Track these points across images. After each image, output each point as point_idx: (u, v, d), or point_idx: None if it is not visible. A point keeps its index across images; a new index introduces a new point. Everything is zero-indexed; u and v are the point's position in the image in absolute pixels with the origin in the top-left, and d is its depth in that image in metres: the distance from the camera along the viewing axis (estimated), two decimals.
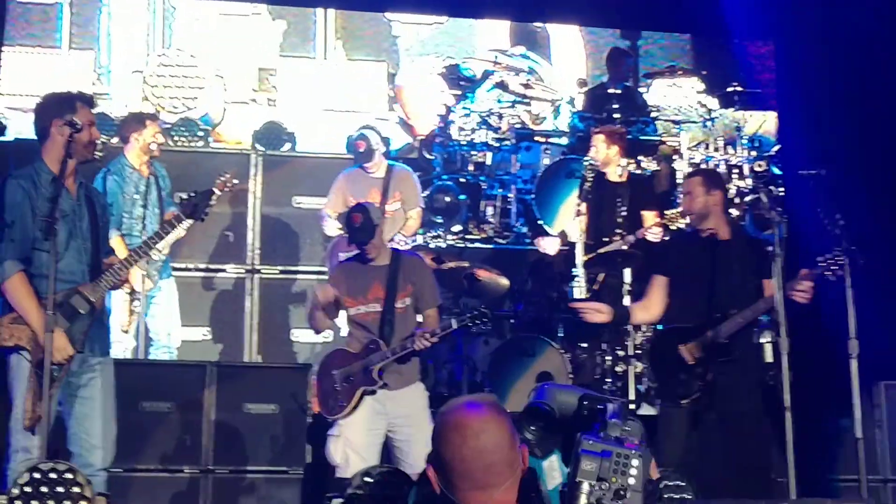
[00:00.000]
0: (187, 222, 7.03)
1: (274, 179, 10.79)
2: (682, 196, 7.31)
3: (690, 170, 9.05)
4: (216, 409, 8.00)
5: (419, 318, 7.39)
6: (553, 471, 6.28)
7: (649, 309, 7.40)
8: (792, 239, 7.94)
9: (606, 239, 9.51)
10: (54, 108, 6.20)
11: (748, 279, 7.04)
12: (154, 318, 9.40)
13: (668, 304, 7.29)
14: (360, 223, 7.18)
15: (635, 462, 2.79)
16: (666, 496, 6.09)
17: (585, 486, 2.75)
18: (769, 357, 8.29)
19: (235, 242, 10.54)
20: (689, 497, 6.09)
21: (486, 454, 3.10)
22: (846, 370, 7.04)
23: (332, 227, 9.57)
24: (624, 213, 9.59)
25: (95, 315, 6.27)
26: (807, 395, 8.57)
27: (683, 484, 6.15)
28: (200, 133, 12.44)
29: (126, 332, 9.13)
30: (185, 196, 6.74)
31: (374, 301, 7.18)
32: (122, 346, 9.00)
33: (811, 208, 7.06)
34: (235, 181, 9.31)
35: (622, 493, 2.76)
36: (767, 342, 8.26)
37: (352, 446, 7.03)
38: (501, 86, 12.28)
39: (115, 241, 8.43)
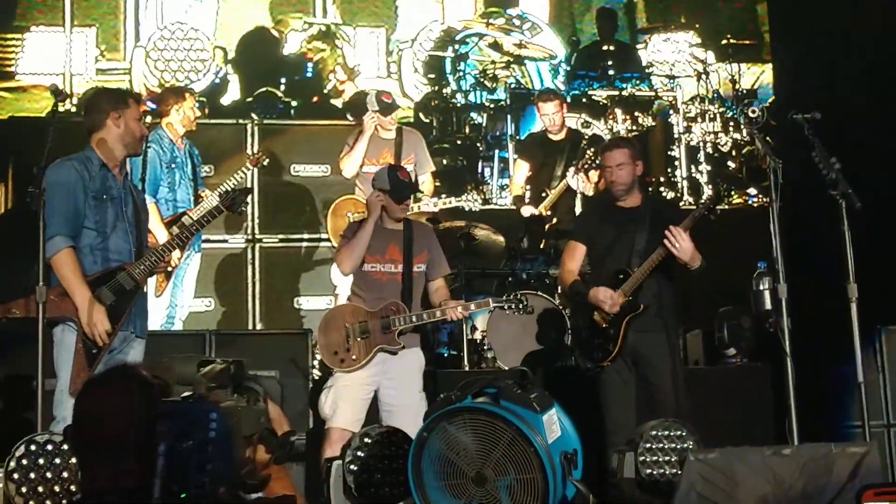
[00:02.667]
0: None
1: (271, 148, 10.75)
2: (608, 168, 7.34)
3: (609, 139, 9.18)
4: None
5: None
6: (552, 424, 6.31)
7: (570, 272, 7.51)
8: (788, 186, 7.87)
9: (545, 194, 9.79)
10: (110, 102, 6.55)
11: (656, 241, 7.09)
12: (177, 287, 9.48)
13: (582, 269, 7.51)
14: (409, 180, 7.39)
15: (213, 416, 2.84)
16: (668, 446, 6.10)
17: (162, 447, 2.77)
18: (768, 304, 8.29)
19: None
20: (690, 445, 6.08)
21: (100, 431, 3.04)
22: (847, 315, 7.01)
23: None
24: (563, 167, 9.92)
25: (139, 294, 6.54)
26: (808, 340, 8.62)
27: (684, 433, 6.15)
28: None
29: (158, 296, 9.19)
30: (224, 190, 7.33)
31: (390, 262, 7.23)
32: (156, 315, 9.10)
33: (807, 153, 6.98)
34: (266, 160, 9.53)
35: (205, 445, 2.80)
36: (766, 289, 8.26)
37: (342, 397, 7.07)
38: (495, 46, 12.26)
39: (151, 208, 8.71)
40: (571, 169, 9.55)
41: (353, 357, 7.09)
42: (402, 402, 7.11)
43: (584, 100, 11.77)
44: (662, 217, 7.24)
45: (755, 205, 11.27)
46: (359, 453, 6.37)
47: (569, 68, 12.27)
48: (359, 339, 7.10)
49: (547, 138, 10.17)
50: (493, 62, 12.26)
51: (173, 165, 9.31)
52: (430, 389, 7.41)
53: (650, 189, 11.56)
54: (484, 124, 11.72)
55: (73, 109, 11.00)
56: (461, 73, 12.01)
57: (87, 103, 6.71)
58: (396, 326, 7.08)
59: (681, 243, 6.93)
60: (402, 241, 7.26)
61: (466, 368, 8.59)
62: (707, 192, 11.41)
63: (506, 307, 7.48)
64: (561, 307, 8.59)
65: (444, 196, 9.54)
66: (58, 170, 6.28)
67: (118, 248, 6.44)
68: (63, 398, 6.16)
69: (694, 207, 10.21)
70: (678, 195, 11.56)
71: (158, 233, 8.87)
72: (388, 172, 7.34)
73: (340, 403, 7.05)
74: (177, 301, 9.49)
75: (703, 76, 12.13)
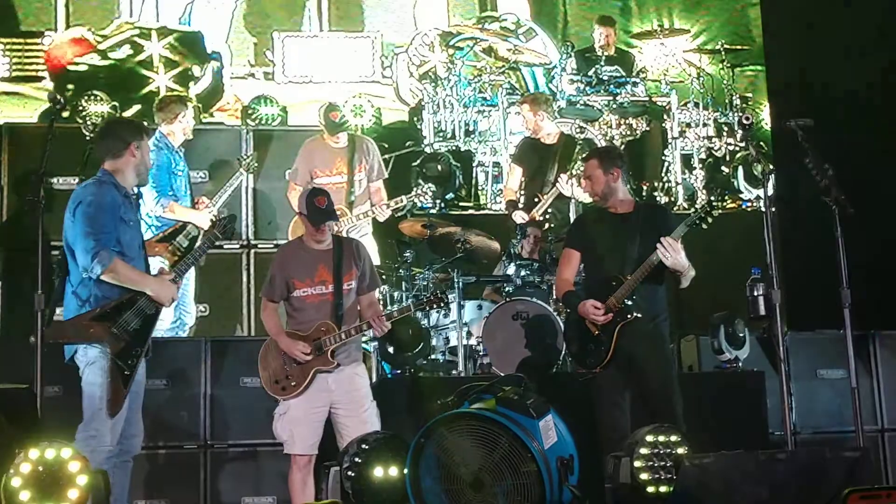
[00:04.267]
0: None
1: (266, 154, 10.76)
2: (583, 179, 7.53)
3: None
4: (212, 384, 8.07)
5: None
6: (549, 430, 6.34)
7: (566, 278, 7.58)
8: (781, 191, 7.94)
9: (537, 199, 9.79)
10: (131, 133, 6.80)
11: (649, 246, 7.12)
12: (185, 296, 9.55)
13: (577, 274, 7.61)
14: (326, 205, 7.32)
15: None
16: (663, 452, 6.12)
17: None
18: (762, 310, 8.33)
19: None
20: (684, 451, 6.10)
21: None
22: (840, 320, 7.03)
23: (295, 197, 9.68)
24: (555, 172, 9.90)
25: (157, 318, 6.77)
26: (802, 345, 8.67)
27: (678, 438, 6.17)
28: None
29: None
30: (217, 217, 7.62)
31: (321, 283, 7.25)
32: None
33: (800, 159, 7.01)
34: (255, 164, 9.95)
35: None
36: (760, 295, 8.29)
37: (297, 422, 7.11)
38: (489, 51, 12.29)
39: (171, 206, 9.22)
40: (564, 175, 9.57)
41: (293, 383, 7.13)
42: (352, 415, 7.14)
43: (578, 105, 11.77)
44: (654, 223, 7.27)
45: (749, 209, 11.28)
46: (356, 459, 6.40)
47: (562, 73, 12.22)
48: (294, 365, 7.15)
49: (539, 143, 10.19)
50: (488, 67, 12.28)
51: (179, 173, 9.47)
52: (428, 395, 7.44)
53: (643, 194, 11.59)
54: (478, 129, 11.74)
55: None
56: (456, 78, 12.01)
57: (106, 131, 6.94)
58: (328, 346, 7.12)
59: (673, 255, 6.96)
60: (332, 260, 7.29)
61: (462, 374, 8.61)
62: (701, 196, 11.44)
63: (427, 307, 7.70)
64: (556, 313, 8.61)
65: (395, 198, 9.68)
66: (98, 189, 6.53)
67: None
68: (100, 416, 6.37)
69: (687, 212, 10.29)
70: (672, 200, 11.56)
71: (192, 217, 9.18)
72: (307, 198, 7.37)
73: (297, 430, 7.11)
74: (188, 309, 9.60)
75: (697, 81, 12.14)
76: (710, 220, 7.09)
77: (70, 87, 12.71)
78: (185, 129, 9.56)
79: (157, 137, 9.22)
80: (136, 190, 7.22)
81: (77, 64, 12.81)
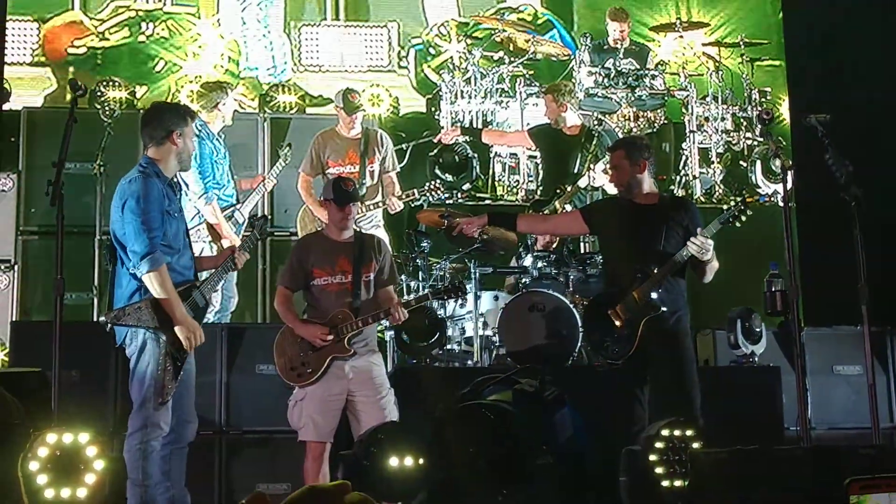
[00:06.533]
0: None
1: (281, 141, 10.76)
2: (609, 169, 7.55)
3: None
4: (228, 371, 8.08)
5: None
6: (564, 422, 6.36)
7: (547, 221, 8.04)
8: (800, 187, 7.90)
9: (559, 190, 9.74)
10: (174, 119, 6.75)
11: (673, 240, 7.18)
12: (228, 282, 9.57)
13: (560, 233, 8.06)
14: (353, 189, 7.49)
15: None
16: (679, 445, 6.13)
17: None
18: (780, 305, 8.32)
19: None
20: (700, 445, 6.11)
21: None
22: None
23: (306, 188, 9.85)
24: (578, 163, 9.94)
25: (206, 309, 6.91)
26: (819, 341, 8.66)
27: (694, 433, 6.17)
28: None
29: None
30: (254, 217, 7.82)
31: (340, 273, 7.33)
32: None
33: (818, 155, 6.99)
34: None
35: None
36: (778, 290, 8.29)
37: (312, 409, 7.15)
38: (507, 43, 12.27)
39: (211, 208, 9.22)
40: (599, 165, 9.52)
41: (310, 370, 7.19)
42: (370, 402, 7.18)
43: (596, 97, 11.73)
44: (680, 217, 7.28)
45: (766, 204, 11.22)
46: (371, 448, 6.41)
47: (581, 65, 12.16)
48: (310, 352, 7.20)
49: (559, 132, 10.24)
50: (506, 58, 12.24)
51: (221, 161, 9.54)
52: (444, 385, 7.44)
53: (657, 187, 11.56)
54: (496, 120, 11.72)
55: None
56: (473, 68, 11.99)
57: (149, 117, 6.86)
58: (345, 334, 7.18)
59: (707, 252, 7.02)
60: (352, 251, 7.37)
61: (478, 365, 8.61)
62: (718, 191, 11.42)
63: (445, 297, 7.81)
64: (572, 305, 8.60)
65: (407, 191, 9.73)
66: (144, 184, 6.49)
67: (186, 264, 6.70)
68: (149, 405, 6.36)
69: (705, 206, 10.27)
70: (689, 193, 11.53)
71: (227, 231, 9.23)
72: (333, 183, 7.55)
73: (312, 417, 7.15)
74: (232, 294, 9.64)
75: (716, 74, 12.10)
76: (743, 217, 7.13)
77: (71, 70, 12.73)
78: (226, 116, 9.63)
79: (197, 126, 9.23)
80: (179, 177, 7.28)
81: (76, 47, 12.83)
